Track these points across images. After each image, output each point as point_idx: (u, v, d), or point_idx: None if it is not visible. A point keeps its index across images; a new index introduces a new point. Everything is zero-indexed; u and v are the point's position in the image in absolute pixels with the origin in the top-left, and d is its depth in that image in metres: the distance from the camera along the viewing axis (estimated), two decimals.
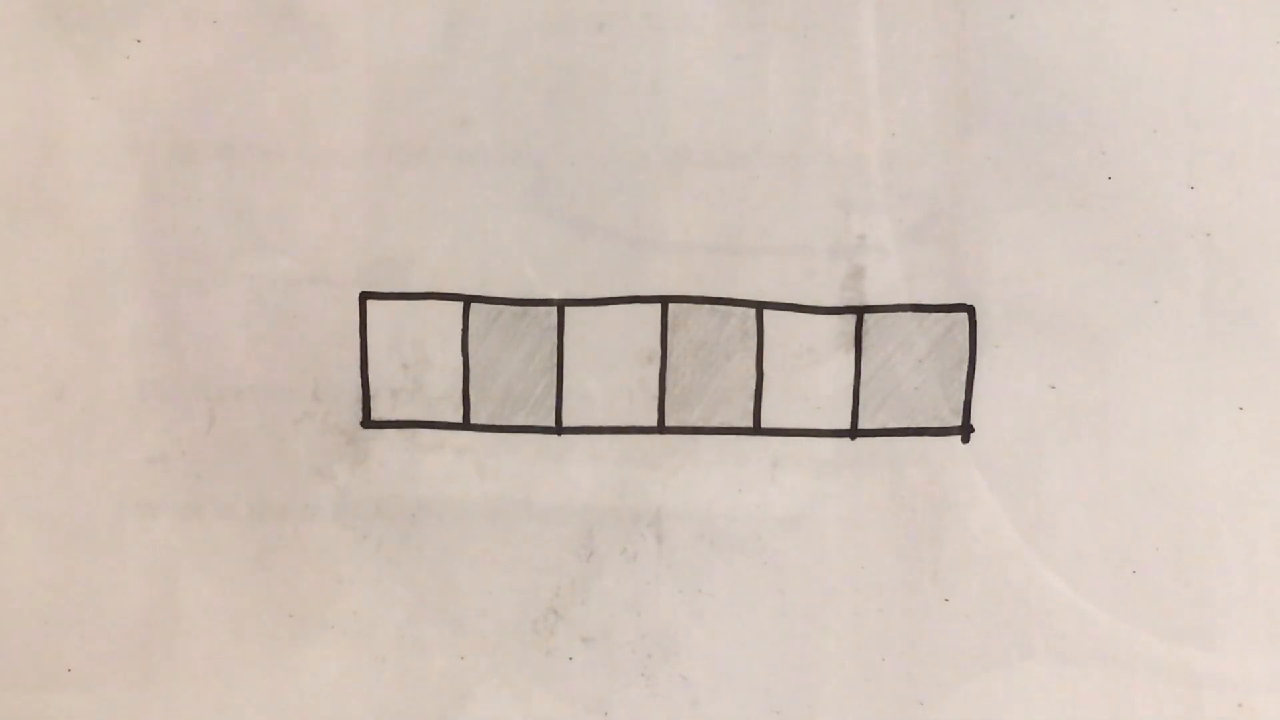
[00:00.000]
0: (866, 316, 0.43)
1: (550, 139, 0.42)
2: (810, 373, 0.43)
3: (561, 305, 0.43)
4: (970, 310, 0.42)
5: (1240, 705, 0.42)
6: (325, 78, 0.43)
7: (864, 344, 0.43)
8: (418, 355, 0.43)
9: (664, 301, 0.43)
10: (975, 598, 0.43)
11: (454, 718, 0.44)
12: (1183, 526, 0.42)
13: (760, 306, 0.43)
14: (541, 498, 0.43)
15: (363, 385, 0.43)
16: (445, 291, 0.43)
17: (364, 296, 0.43)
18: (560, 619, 0.43)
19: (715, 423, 0.43)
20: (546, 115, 0.42)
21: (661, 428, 0.43)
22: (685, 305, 0.43)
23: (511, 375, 0.43)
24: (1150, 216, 0.42)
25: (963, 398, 0.42)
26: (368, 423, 0.43)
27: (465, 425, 0.43)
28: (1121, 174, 0.42)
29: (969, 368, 0.42)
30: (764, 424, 0.43)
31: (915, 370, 0.43)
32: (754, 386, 0.43)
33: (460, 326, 0.43)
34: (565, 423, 0.43)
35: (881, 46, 0.42)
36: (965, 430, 0.42)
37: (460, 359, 0.43)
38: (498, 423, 0.43)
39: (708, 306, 0.43)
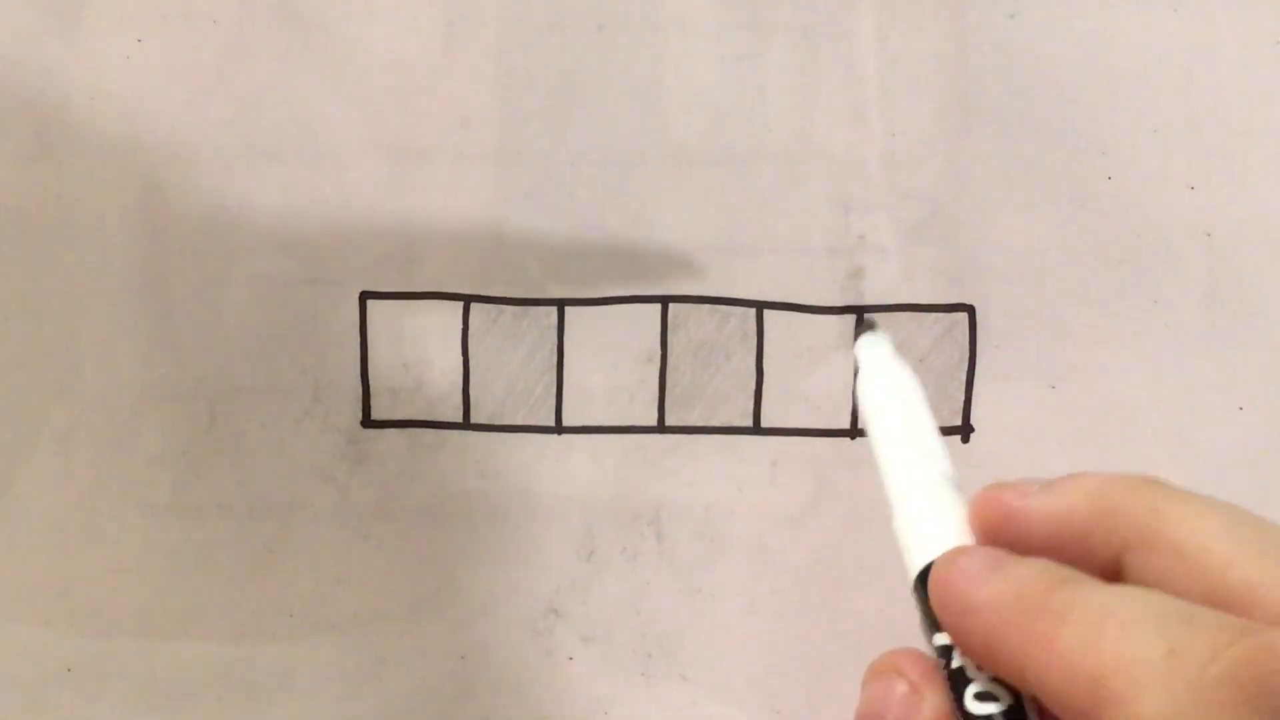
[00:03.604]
0: (866, 316, 0.43)
1: (550, 139, 0.42)
2: (810, 373, 0.43)
3: (562, 305, 0.43)
4: (970, 310, 0.42)
5: None
6: (325, 78, 0.42)
7: None
8: (418, 355, 0.43)
9: (664, 301, 0.43)
10: None
11: (454, 718, 0.44)
12: None
13: (760, 306, 0.43)
14: (542, 498, 0.43)
15: (363, 385, 0.43)
16: (445, 291, 0.43)
17: (364, 296, 0.43)
18: (560, 619, 0.43)
19: (715, 422, 0.43)
20: (546, 115, 0.42)
21: (661, 427, 0.43)
22: (685, 305, 0.43)
23: (511, 375, 0.43)
24: (1150, 216, 0.42)
25: (963, 398, 0.42)
26: (368, 423, 0.43)
27: (465, 425, 0.43)
28: (1121, 174, 0.42)
29: (969, 368, 0.42)
30: (764, 424, 0.43)
31: (915, 370, 0.43)
32: (754, 386, 0.43)
33: (460, 326, 0.43)
34: (565, 422, 0.43)
35: (881, 46, 0.42)
36: (965, 430, 0.42)
37: (460, 359, 0.43)
38: (498, 423, 0.43)
39: (708, 306, 0.43)
